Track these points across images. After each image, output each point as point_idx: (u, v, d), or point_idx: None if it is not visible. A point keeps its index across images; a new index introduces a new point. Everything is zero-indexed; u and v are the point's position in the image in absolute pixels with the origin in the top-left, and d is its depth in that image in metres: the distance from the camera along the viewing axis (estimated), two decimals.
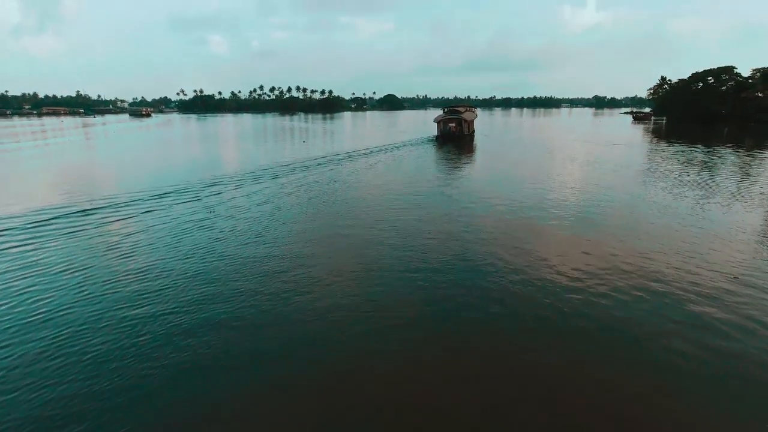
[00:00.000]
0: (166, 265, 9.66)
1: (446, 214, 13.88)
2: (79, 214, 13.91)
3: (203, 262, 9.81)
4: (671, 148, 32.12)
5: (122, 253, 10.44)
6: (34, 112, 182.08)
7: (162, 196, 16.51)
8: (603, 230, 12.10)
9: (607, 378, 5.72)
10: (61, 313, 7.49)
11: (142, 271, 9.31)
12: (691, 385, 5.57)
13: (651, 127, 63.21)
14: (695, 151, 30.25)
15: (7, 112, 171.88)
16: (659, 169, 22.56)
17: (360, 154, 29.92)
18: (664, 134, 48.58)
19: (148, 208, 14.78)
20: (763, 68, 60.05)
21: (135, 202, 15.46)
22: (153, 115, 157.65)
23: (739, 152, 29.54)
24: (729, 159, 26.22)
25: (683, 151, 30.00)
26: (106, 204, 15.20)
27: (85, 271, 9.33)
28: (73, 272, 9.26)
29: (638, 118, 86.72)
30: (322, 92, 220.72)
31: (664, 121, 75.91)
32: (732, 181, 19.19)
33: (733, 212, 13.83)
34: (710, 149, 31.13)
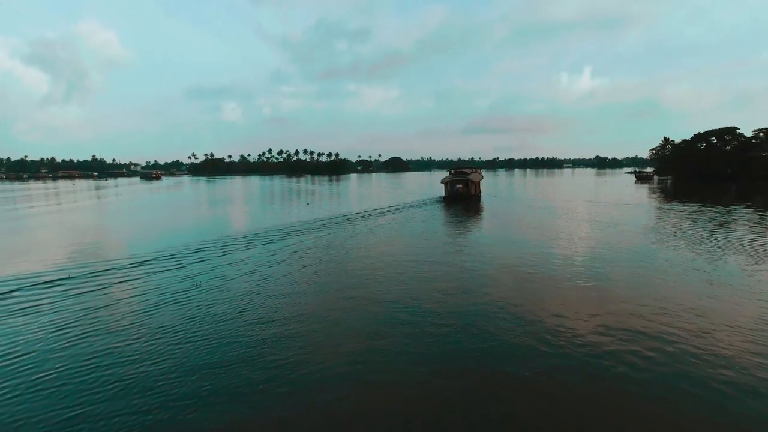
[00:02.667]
0: (125, 347, 8.04)
1: (462, 287, 12.27)
2: (48, 284, 12.49)
3: (168, 345, 8.19)
4: (686, 208, 30.80)
5: (75, 335, 8.82)
6: (50, 175, 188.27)
7: (143, 263, 15.14)
8: (644, 300, 10.37)
9: None
10: None
11: (96, 355, 7.70)
12: None
13: (656, 186, 62.50)
14: (715, 210, 28.87)
15: (24, 176, 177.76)
16: (685, 230, 21.00)
17: (368, 215, 28.90)
18: (672, 194, 47.60)
19: (123, 277, 13.36)
20: (765, 128, 60.60)
21: (110, 271, 14.06)
22: (163, 178, 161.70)
23: (762, 211, 28.12)
24: (753, 219, 24.72)
25: (701, 211, 28.63)
26: (79, 273, 13.81)
27: (29, 356, 7.72)
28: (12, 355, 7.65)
29: (641, 178, 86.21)
30: (329, 155, 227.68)
31: (669, 181, 75.54)
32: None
33: None
34: (728, 208, 29.78)
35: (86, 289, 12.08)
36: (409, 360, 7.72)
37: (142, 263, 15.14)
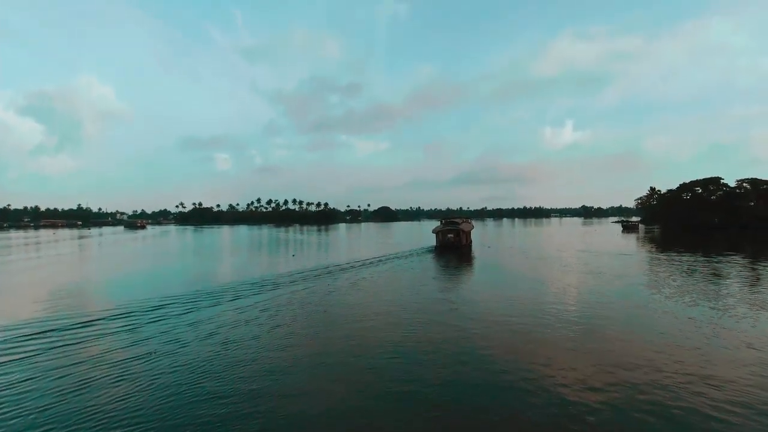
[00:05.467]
0: None
1: (458, 351, 10.50)
2: None
3: None
4: (684, 258, 29.76)
5: None
6: (32, 224, 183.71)
7: (89, 323, 13.09)
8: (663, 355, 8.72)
9: None
10: None
11: None
12: None
13: (645, 236, 62.00)
14: (714, 261, 27.84)
15: (4, 225, 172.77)
16: (695, 282, 19.65)
17: (358, 266, 27.17)
18: (664, 244, 46.89)
19: (58, 342, 11.26)
20: (750, 179, 61.83)
21: (44, 335, 11.96)
22: (149, 227, 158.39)
23: (763, 261, 27.15)
24: (758, 269, 23.61)
25: (699, 261, 27.56)
26: (6, 338, 11.72)
27: None
28: None
29: (628, 228, 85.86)
30: (318, 204, 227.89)
31: (656, 230, 75.44)
32: None
33: None
34: (726, 258, 28.81)
35: (4, 359, 10.01)
36: None
37: (87, 324, 13.08)
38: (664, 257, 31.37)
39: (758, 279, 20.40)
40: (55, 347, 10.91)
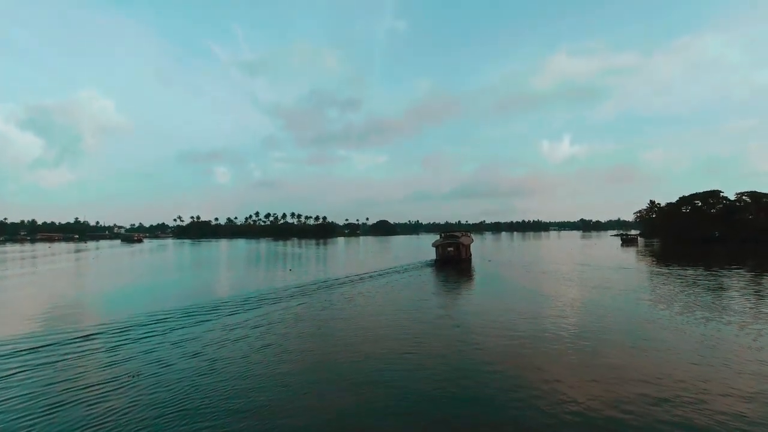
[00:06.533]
0: None
1: (464, 376, 9.88)
2: None
3: None
4: (686, 272, 29.17)
5: None
6: (28, 238, 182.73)
7: (69, 342, 12.42)
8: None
9: None
10: None
11: None
12: None
13: (644, 249, 61.30)
14: (716, 275, 27.27)
15: (1, 238, 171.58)
16: (704, 297, 19.07)
17: (357, 280, 26.62)
18: (663, 257, 46.32)
19: (27, 364, 10.61)
20: (749, 192, 61.62)
21: (15, 355, 11.31)
22: (146, 240, 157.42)
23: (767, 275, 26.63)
24: (762, 283, 23.05)
25: (699, 275, 26.98)
26: None
27: None
28: None
29: (627, 241, 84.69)
30: (317, 218, 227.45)
31: (655, 244, 74.68)
32: None
33: None
34: (730, 272, 28.26)
35: None
36: None
37: (68, 342, 12.42)
38: (666, 271, 30.77)
39: (767, 294, 19.83)
40: (28, 368, 10.27)
